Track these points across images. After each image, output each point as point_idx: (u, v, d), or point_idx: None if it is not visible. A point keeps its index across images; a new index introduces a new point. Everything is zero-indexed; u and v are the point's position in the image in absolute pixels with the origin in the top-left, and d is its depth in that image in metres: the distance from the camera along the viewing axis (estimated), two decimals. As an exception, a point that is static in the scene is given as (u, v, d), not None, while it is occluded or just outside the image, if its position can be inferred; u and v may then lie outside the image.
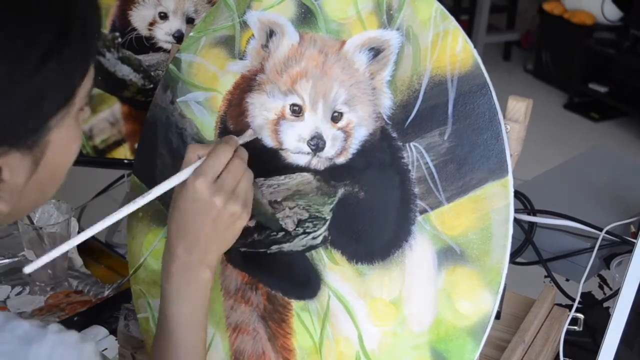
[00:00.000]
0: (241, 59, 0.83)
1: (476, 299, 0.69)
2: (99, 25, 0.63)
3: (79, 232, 1.14)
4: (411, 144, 0.73)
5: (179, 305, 0.72)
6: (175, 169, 0.86)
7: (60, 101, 0.58)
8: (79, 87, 0.60)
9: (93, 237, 1.17)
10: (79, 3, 0.59)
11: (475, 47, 0.71)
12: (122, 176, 1.31)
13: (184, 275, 0.72)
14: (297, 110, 0.79)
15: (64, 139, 0.61)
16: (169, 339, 0.73)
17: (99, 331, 1.01)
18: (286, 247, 0.80)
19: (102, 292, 1.07)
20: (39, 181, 0.60)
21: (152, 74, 1.13)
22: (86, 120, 0.66)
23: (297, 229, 0.79)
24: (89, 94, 0.63)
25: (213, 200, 0.70)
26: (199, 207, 0.71)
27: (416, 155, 0.72)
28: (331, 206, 0.77)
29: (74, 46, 0.57)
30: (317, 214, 0.78)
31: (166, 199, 0.87)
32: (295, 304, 0.79)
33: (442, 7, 0.73)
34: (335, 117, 0.77)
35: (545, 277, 1.08)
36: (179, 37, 1.11)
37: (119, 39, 1.12)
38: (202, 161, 0.72)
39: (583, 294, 1.03)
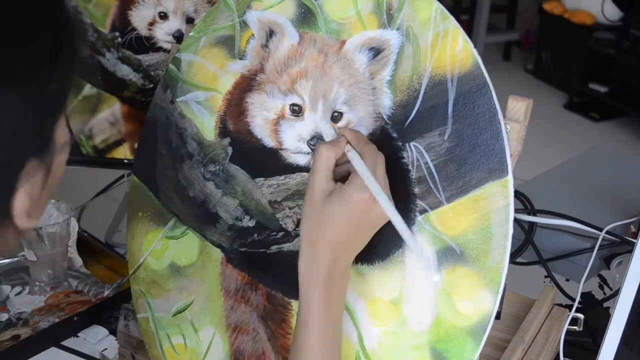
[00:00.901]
0: (241, 58, 0.83)
1: (476, 299, 0.69)
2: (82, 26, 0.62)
3: (78, 232, 1.15)
4: (411, 143, 0.73)
5: (324, 321, 0.69)
6: (176, 169, 0.86)
7: (60, 108, 0.58)
8: (70, 89, 0.59)
9: (93, 237, 1.18)
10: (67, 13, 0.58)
11: (475, 47, 0.71)
12: (122, 176, 1.31)
13: (331, 288, 0.69)
14: (297, 110, 0.79)
15: (61, 137, 0.59)
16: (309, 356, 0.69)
17: (99, 331, 1.01)
18: (286, 247, 0.80)
19: (102, 292, 1.07)
20: (49, 186, 0.59)
21: (152, 73, 1.13)
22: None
23: (297, 229, 0.79)
24: None
25: (372, 204, 0.67)
26: (363, 220, 0.68)
27: (416, 155, 0.72)
28: (331, 206, 0.77)
29: (69, 50, 0.57)
30: (317, 214, 0.78)
31: (165, 197, 0.88)
32: (295, 304, 0.79)
33: (442, 6, 0.73)
34: (335, 117, 0.77)
35: (546, 277, 1.08)
36: (178, 37, 1.11)
37: (119, 39, 1.12)
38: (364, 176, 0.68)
39: (583, 294, 1.03)
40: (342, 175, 0.71)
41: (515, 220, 0.86)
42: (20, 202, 0.54)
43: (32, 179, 0.55)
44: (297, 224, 0.79)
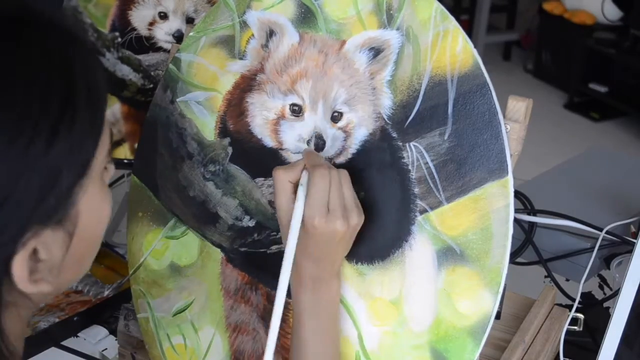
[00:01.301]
0: (241, 58, 0.83)
1: (476, 299, 0.69)
2: (105, 89, 0.59)
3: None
4: (411, 143, 0.73)
5: (315, 319, 0.72)
6: (176, 169, 0.86)
7: (77, 173, 0.55)
8: (93, 155, 0.57)
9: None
10: (77, 69, 0.55)
11: (475, 47, 0.71)
12: (122, 176, 1.31)
13: (318, 289, 0.72)
14: (297, 110, 0.79)
15: (92, 205, 0.58)
16: (305, 349, 0.73)
17: (99, 331, 1.01)
18: (286, 247, 0.80)
19: (102, 292, 1.07)
20: (77, 252, 0.58)
21: (152, 73, 1.13)
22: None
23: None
24: (109, 154, 0.60)
25: (334, 229, 0.69)
26: (323, 240, 0.70)
27: (416, 155, 0.72)
28: (331, 206, 0.77)
29: (82, 115, 0.54)
30: (317, 214, 0.78)
31: (165, 197, 0.88)
32: (295, 304, 0.79)
33: (442, 7, 0.73)
34: (335, 117, 0.77)
35: (546, 277, 1.08)
36: (178, 37, 1.11)
37: (119, 39, 1.11)
38: (305, 195, 0.70)
39: (583, 294, 1.03)
40: None
41: (515, 220, 0.86)
42: (18, 268, 0.53)
43: (39, 244, 0.53)
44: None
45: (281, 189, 0.72)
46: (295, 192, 0.71)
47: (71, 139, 0.53)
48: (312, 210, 0.69)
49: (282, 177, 0.72)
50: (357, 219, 0.71)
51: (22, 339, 0.60)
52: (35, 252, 0.54)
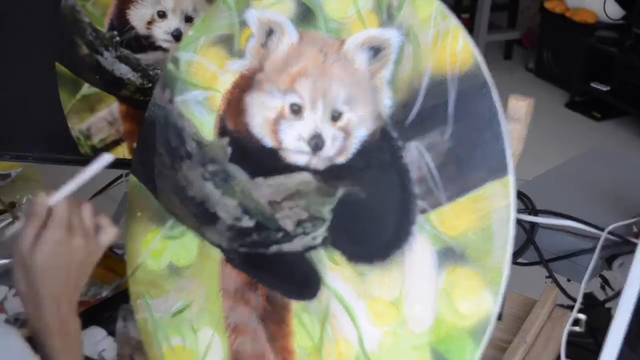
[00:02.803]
0: (240, 58, 0.83)
1: (477, 300, 0.69)
2: None
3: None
4: (411, 143, 0.72)
5: (65, 353, 0.74)
6: (174, 168, 0.86)
7: None
8: None
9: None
10: None
11: (476, 45, 0.71)
12: (121, 175, 1.31)
13: (64, 332, 0.75)
14: (296, 110, 0.78)
15: None
16: None
17: (98, 332, 1.00)
18: (286, 247, 0.79)
19: (100, 293, 1.07)
20: None
21: (151, 73, 1.12)
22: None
23: (296, 229, 0.79)
24: None
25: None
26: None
27: (416, 155, 0.72)
28: (331, 206, 0.77)
29: None
30: (316, 214, 0.77)
31: (164, 197, 0.87)
32: (295, 305, 0.79)
33: (442, 5, 0.72)
34: (335, 117, 0.77)
35: (547, 277, 1.07)
36: (177, 36, 1.10)
37: (117, 38, 1.11)
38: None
39: (585, 295, 1.02)
40: None
41: (517, 220, 0.86)
42: None
43: None
44: (297, 224, 0.79)
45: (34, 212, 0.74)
46: None
47: None
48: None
49: (40, 201, 0.74)
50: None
51: None
52: None
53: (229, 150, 0.83)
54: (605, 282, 1.12)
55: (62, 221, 0.73)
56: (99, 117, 1.14)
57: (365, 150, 0.75)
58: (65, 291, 0.74)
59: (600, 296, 1.10)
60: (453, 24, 0.71)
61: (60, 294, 0.73)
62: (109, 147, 1.15)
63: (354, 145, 0.76)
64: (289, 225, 0.79)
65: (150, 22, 1.11)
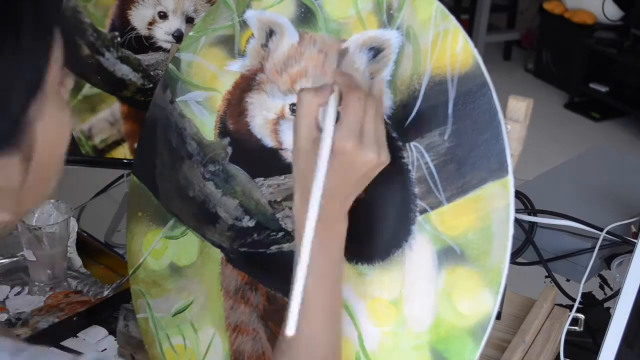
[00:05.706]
0: (241, 58, 0.83)
1: (476, 299, 0.69)
2: None
3: (78, 232, 1.15)
4: (411, 143, 0.73)
5: (320, 257, 0.65)
6: (175, 168, 0.86)
7: (28, 90, 0.51)
8: (46, 67, 0.52)
9: (92, 237, 1.18)
10: None
11: (475, 46, 0.71)
12: (122, 176, 1.31)
13: (322, 229, 0.63)
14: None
15: (50, 125, 0.54)
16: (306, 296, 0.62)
17: (98, 331, 1.01)
18: (286, 247, 0.80)
19: (101, 292, 1.07)
20: (37, 177, 0.54)
21: (152, 73, 1.13)
22: (69, 100, 0.58)
23: (296, 229, 0.79)
24: (63, 65, 0.55)
25: (365, 159, 0.63)
26: (347, 170, 0.64)
27: (416, 155, 0.72)
28: (331, 206, 0.77)
29: (26, 27, 0.50)
30: (316, 214, 0.77)
31: (165, 197, 0.87)
32: (295, 304, 0.79)
33: (442, 6, 0.72)
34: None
35: (546, 277, 1.08)
36: (178, 37, 1.11)
37: (118, 39, 1.11)
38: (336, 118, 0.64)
39: (584, 294, 1.03)
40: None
41: (516, 220, 0.86)
42: None
43: None
44: (297, 224, 0.79)
45: (306, 113, 0.64)
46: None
47: (17, 55, 0.50)
48: (345, 134, 0.62)
49: (311, 100, 0.65)
50: (386, 157, 0.65)
51: None
52: None
53: (230, 150, 0.83)
54: (604, 281, 1.12)
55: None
56: (100, 118, 1.14)
57: (366, 151, 0.75)
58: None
59: (599, 296, 1.10)
60: (453, 24, 0.71)
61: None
62: (110, 147, 1.15)
63: (354, 145, 0.76)
64: (289, 225, 0.79)
65: (151, 23, 1.12)
